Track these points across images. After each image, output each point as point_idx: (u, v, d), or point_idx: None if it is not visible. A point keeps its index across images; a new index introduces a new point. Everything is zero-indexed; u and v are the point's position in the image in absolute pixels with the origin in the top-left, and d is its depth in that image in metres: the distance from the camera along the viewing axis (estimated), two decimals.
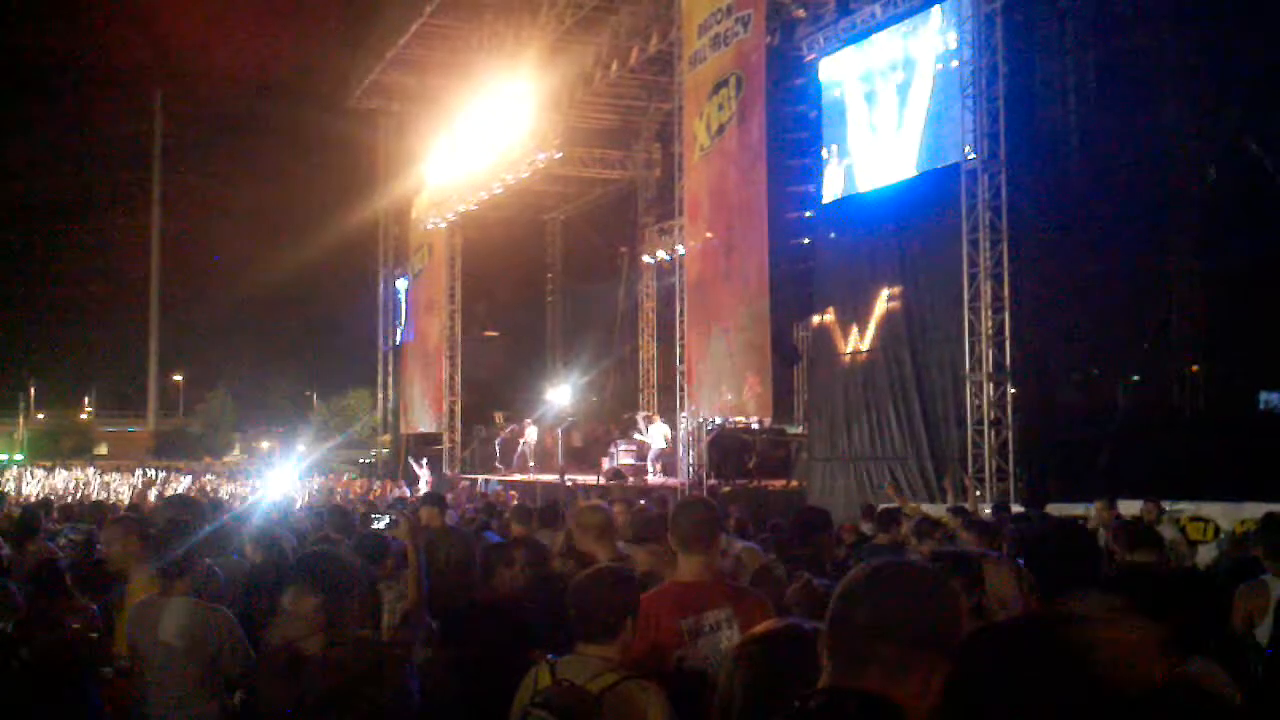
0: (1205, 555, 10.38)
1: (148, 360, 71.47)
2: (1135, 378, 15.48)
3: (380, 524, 7.55)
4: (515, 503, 15.57)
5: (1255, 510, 9.81)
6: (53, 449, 58.54)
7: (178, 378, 75.92)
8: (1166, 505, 11.47)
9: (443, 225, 31.24)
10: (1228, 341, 14.34)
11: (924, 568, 2.28)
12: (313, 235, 49.15)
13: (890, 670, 2.02)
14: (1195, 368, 15.58)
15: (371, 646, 4.44)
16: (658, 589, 4.59)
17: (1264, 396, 15.30)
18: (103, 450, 63.30)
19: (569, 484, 19.95)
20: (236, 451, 66.45)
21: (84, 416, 75.28)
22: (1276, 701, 3.15)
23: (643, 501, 12.06)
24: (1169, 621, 3.09)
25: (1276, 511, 9.11)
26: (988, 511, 11.75)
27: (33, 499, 19.40)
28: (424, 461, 29.02)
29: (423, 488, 25.59)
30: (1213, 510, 11.13)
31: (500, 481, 24.23)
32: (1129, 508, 10.87)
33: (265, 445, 68.75)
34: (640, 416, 24.55)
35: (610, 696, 3.37)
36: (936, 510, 11.55)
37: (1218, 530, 11.05)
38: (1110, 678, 1.93)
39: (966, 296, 15.25)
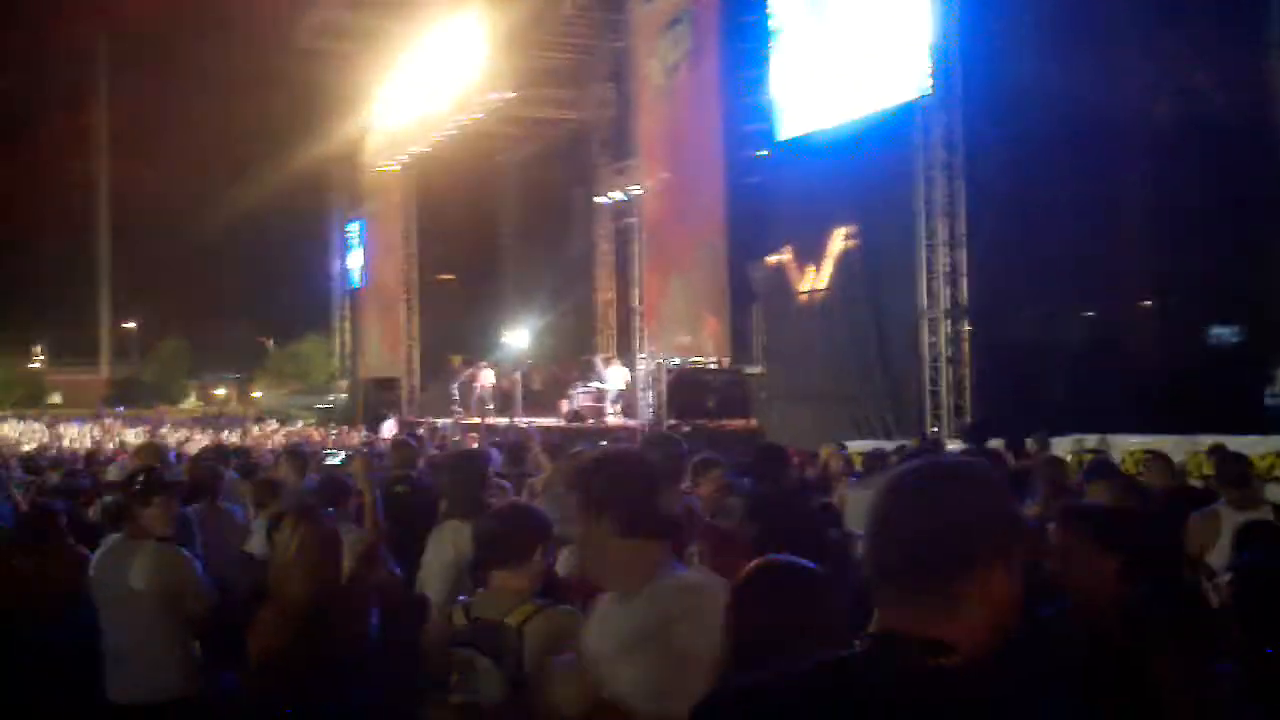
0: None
1: (99, 307, 70.58)
2: (1089, 313, 15.60)
3: (335, 459, 7.52)
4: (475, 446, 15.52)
5: (1207, 443, 9.95)
6: (3, 397, 57.85)
7: (131, 324, 75.09)
8: (1117, 439, 11.65)
9: (396, 167, 30.93)
10: (1180, 277, 14.46)
11: (959, 465, 1.89)
12: (264, 178, 48.52)
13: (940, 603, 1.72)
14: (1148, 303, 15.72)
15: (332, 589, 4.41)
16: None
17: (1214, 331, 15.46)
18: (56, 399, 62.65)
19: (522, 426, 19.90)
20: (193, 399, 66.00)
21: (34, 365, 74.34)
22: (1247, 613, 3.18)
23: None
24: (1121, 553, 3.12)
25: (1223, 443, 9.30)
26: (951, 447, 11.86)
27: None
28: (388, 414, 28.90)
29: (387, 434, 25.44)
30: (1165, 443, 11.24)
31: (457, 425, 24.13)
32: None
33: (221, 392, 68.37)
34: (598, 359, 24.50)
35: (531, 628, 3.35)
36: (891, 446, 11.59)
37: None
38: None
39: (923, 234, 15.26)
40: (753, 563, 2.70)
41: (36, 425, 31.12)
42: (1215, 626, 3.36)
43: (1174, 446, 10.60)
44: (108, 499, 7.52)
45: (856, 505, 7.31)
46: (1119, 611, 2.40)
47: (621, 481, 2.88)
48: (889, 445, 11.50)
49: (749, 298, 20.05)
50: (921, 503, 1.78)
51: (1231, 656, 3.04)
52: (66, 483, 9.78)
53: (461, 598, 3.76)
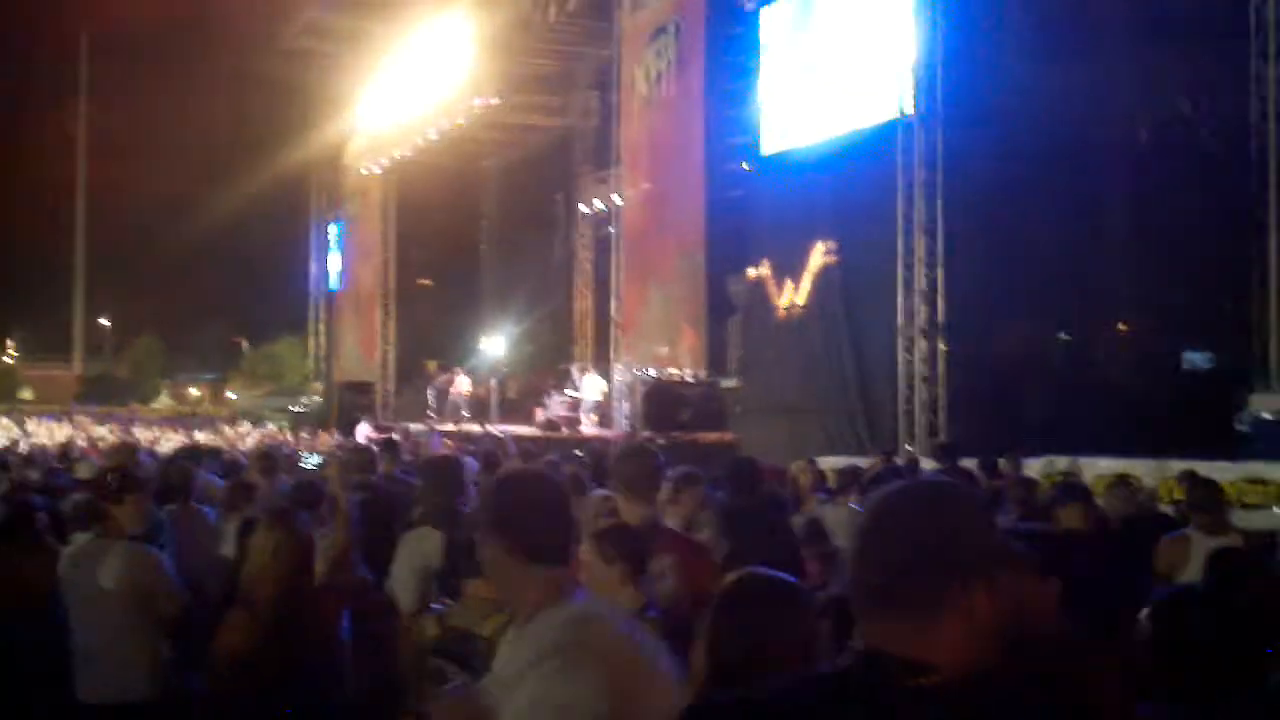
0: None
1: (73, 303, 70.12)
2: (1066, 334, 15.68)
3: (309, 463, 7.49)
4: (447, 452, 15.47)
5: (1178, 467, 10.01)
6: None
7: (105, 321, 74.57)
8: (1088, 461, 11.70)
9: (378, 171, 30.86)
10: (1158, 300, 14.55)
11: (943, 486, 1.95)
12: (245, 179, 48.37)
13: (923, 622, 1.73)
14: (1123, 326, 15.81)
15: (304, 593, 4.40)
16: None
17: (1186, 356, 15.56)
18: (27, 394, 62.14)
19: (495, 434, 19.86)
20: (165, 398, 65.56)
21: (8, 360, 73.74)
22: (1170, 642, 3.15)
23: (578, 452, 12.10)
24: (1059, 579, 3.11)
25: (1195, 468, 9.35)
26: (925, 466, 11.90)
27: None
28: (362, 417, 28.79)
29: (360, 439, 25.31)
30: (1140, 467, 11.30)
31: (434, 431, 24.06)
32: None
33: (194, 392, 67.97)
34: (575, 368, 24.48)
35: (504, 638, 3.33)
36: (867, 463, 11.63)
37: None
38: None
39: (901, 251, 15.31)
40: (732, 576, 2.70)
41: (4, 420, 30.89)
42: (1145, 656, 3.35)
43: (1146, 470, 10.67)
44: (77, 497, 7.46)
45: (829, 521, 7.33)
46: (1053, 638, 2.41)
47: (523, 504, 2.81)
48: (863, 462, 11.52)
49: (727, 311, 20.07)
50: (905, 523, 1.79)
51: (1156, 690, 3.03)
52: (46, 480, 9.72)
53: (435, 606, 3.74)
